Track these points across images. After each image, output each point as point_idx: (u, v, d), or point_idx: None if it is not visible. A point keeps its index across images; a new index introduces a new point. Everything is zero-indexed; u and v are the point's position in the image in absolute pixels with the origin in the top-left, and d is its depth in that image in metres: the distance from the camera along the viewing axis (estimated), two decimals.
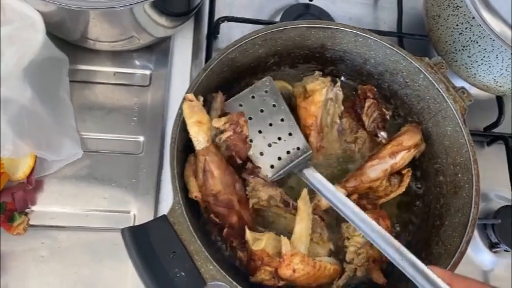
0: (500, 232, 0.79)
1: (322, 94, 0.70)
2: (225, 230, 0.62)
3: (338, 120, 0.74)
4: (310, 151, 0.70)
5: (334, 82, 0.73)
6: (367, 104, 0.72)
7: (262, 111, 0.70)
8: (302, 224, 0.62)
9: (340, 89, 0.73)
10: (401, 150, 0.71)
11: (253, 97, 0.70)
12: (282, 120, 0.70)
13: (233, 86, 0.75)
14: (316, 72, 0.73)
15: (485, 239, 0.81)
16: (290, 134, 0.70)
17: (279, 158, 0.69)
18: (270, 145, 0.69)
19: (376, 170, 0.70)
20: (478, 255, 0.81)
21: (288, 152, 0.69)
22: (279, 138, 0.69)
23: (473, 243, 0.80)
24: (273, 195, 0.67)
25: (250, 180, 0.67)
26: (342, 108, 0.74)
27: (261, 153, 0.68)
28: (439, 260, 0.63)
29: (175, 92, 0.81)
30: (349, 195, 0.70)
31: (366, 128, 0.73)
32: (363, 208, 0.68)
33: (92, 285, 0.70)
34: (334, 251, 0.67)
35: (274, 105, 0.70)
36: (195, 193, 0.62)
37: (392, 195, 0.71)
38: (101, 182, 0.76)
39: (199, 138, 0.63)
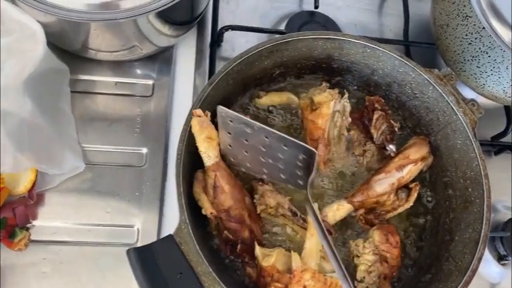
0: (509, 244, 0.78)
1: (329, 107, 0.68)
2: (238, 246, 0.61)
3: (345, 133, 0.73)
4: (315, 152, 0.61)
5: (341, 94, 0.71)
6: (375, 116, 0.71)
7: (247, 140, 0.62)
8: (312, 240, 0.61)
9: (348, 101, 0.72)
10: (408, 164, 0.70)
11: (229, 133, 0.62)
12: (266, 137, 0.60)
13: (238, 97, 0.73)
14: (324, 84, 0.72)
15: (494, 251, 0.80)
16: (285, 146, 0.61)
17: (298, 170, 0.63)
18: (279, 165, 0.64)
19: (383, 184, 0.69)
20: (486, 267, 0.80)
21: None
22: (281, 155, 0.62)
23: None
24: (281, 202, 0.66)
25: (258, 187, 0.66)
26: (350, 120, 0.73)
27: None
28: (449, 277, 0.62)
29: (179, 102, 0.80)
30: (355, 210, 0.69)
31: (375, 141, 0.72)
32: (371, 223, 0.68)
33: None
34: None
35: (249, 129, 0.60)
36: (209, 210, 0.61)
37: (399, 210, 0.70)
38: (104, 196, 0.74)
39: (210, 154, 0.62)
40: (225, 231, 0.62)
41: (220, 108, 0.60)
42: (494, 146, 0.87)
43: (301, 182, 0.63)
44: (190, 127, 0.61)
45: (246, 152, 0.63)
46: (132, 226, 0.73)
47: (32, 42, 0.67)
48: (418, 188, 0.70)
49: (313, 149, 0.58)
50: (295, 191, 0.70)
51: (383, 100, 0.74)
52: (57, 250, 0.71)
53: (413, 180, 0.71)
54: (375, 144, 0.72)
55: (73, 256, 0.71)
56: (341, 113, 0.71)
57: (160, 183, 0.76)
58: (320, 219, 0.59)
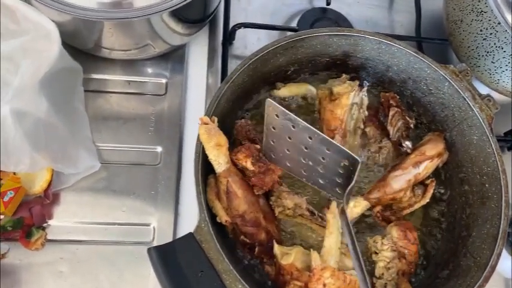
0: None
1: (349, 97, 0.68)
2: (256, 249, 0.61)
3: (362, 126, 0.73)
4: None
5: (360, 86, 0.71)
6: (391, 113, 0.71)
7: (290, 138, 0.60)
8: (332, 238, 0.61)
9: (366, 94, 0.72)
10: (425, 160, 0.69)
11: (273, 128, 0.61)
12: (310, 138, 0.59)
13: (253, 95, 0.73)
14: (344, 75, 0.72)
15: (508, 247, 0.80)
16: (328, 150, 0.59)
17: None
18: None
19: (399, 180, 0.69)
20: (502, 263, 0.79)
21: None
22: (323, 158, 0.60)
23: None
24: (298, 203, 0.66)
25: (274, 189, 0.66)
26: (366, 113, 0.72)
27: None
28: (468, 273, 0.62)
29: (192, 100, 0.80)
30: (372, 207, 0.69)
31: (391, 138, 0.72)
32: (387, 220, 0.68)
33: None
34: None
35: (293, 127, 0.59)
36: (224, 217, 0.61)
37: (416, 206, 0.70)
38: (119, 194, 0.74)
39: (220, 161, 0.61)
40: (242, 236, 0.62)
41: (269, 102, 0.58)
42: (507, 142, 0.87)
43: (338, 190, 0.62)
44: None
45: (287, 150, 0.61)
46: (148, 225, 0.73)
47: (47, 41, 0.67)
48: (434, 184, 0.70)
49: (357, 158, 0.55)
50: (311, 190, 0.70)
51: (398, 97, 0.74)
52: (73, 249, 0.71)
53: (428, 177, 0.71)
54: (390, 140, 0.72)
55: (89, 255, 0.71)
56: (358, 105, 0.71)
57: (175, 181, 0.76)
58: (352, 233, 0.57)
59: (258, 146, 0.64)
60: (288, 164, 0.64)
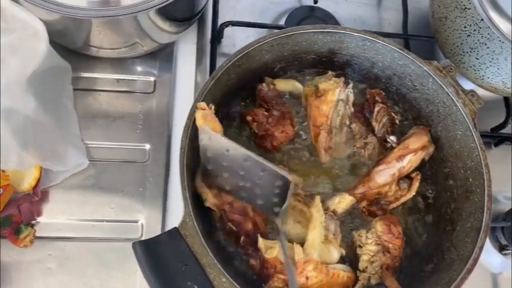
0: (510, 234, 0.79)
1: (335, 94, 0.69)
2: (242, 239, 0.62)
3: (348, 122, 0.73)
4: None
5: (346, 83, 0.72)
6: (376, 109, 0.71)
7: (226, 162, 0.60)
8: (315, 232, 0.61)
9: (352, 91, 0.72)
10: (408, 154, 0.70)
11: (208, 153, 0.60)
12: (245, 161, 0.58)
13: (240, 91, 0.74)
14: (330, 72, 0.73)
15: (495, 242, 0.81)
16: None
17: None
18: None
19: (383, 175, 0.70)
20: (488, 257, 0.80)
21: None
22: (259, 179, 0.59)
23: None
24: (295, 180, 0.67)
25: None
26: (352, 110, 0.73)
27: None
28: (451, 266, 0.63)
29: (181, 98, 0.80)
30: (358, 202, 0.69)
31: (376, 134, 0.72)
32: (373, 214, 0.68)
33: None
34: (346, 259, 0.67)
35: (227, 151, 0.59)
36: (211, 200, 0.62)
37: (402, 200, 0.70)
38: (108, 191, 0.74)
39: None
40: (229, 223, 0.63)
41: (202, 128, 0.59)
42: (494, 138, 0.88)
43: (275, 210, 0.61)
44: (194, 120, 0.61)
45: (225, 173, 0.61)
46: (136, 221, 0.74)
47: (35, 40, 0.67)
48: (419, 177, 0.71)
49: (289, 177, 0.56)
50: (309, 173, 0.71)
51: (384, 93, 0.74)
52: (62, 246, 0.71)
53: (414, 170, 0.71)
54: (376, 136, 0.73)
55: (78, 252, 0.71)
56: (344, 102, 0.72)
57: (163, 178, 0.76)
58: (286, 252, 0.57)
59: (266, 113, 0.69)
60: (228, 188, 0.63)
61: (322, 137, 0.71)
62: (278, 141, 0.71)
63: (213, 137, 0.58)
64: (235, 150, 0.58)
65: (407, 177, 0.72)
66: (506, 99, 0.87)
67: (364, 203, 0.69)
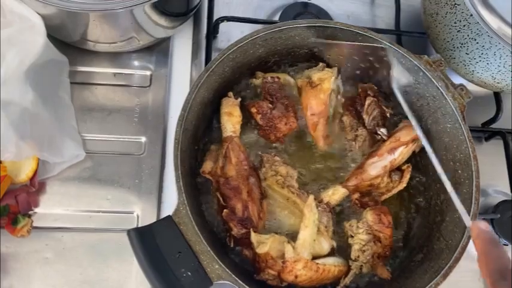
0: (500, 227, 0.80)
1: (330, 82, 0.70)
2: (224, 211, 0.64)
3: (341, 110, 0.75)
4: None
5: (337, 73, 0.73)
6: (367, 102, 0.73)
7: None
8: (307, 231, 0.62)
9: (341, 81, 0.74)
10: (400, 146, 0.71)
11: None
12: None
13: (234, 85, 0.75)
14: (321, 64, 0.74)
15: None
16: None
17: None
18: None
19: (376, 167, 0.71)
20: None
21: None
22: None
23: None
24: (290, 173, 0.69)
25: (268, 158, 0.70)
26: (343, 100, 0.75)
27: None
28: (440, 255, 0.64)
29: (176, 92, 0.81)
30: (351, 194, 0.71)
31: (366, 126, 0.74)
32: (365, 205, 0.70)
33: (97, 286, 0.70)
34: (337, 249, 0.68)
35: None
36: (207, 168, 0.67)
37: (393, 191, 0.72)
38: (104, 183, 0.76)
39: (226, 127, 0.69)
40: (218, 193, 0.65)
41: None
42: (484, 132, 0.89)
43: None
44: (187, 112, 0.63)
45: None
46: (131, 212, 0.75)
47: (33, 33, 0.68)
48: (410, 169, 0.72)
49: None
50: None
51: (376, 87, 0.76)
52: (59, 236, 0.72)
53: (405, 162, 0.73)
54: (366, 129, 0.74)
55: (74, 242, 0.72)
56: (336, 92, 0.73)
57: (159, 170, 0.78)
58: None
59: (271, 105, 0.71)
60: None
61: (321, 125, 0.72)
62: (282, 133, 0.72)
63: None
64: None
65: (398, 169, 0.73)
66: (496, 94, 0.89)
67: (356, 195, 0.71)
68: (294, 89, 0.75)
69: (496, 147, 0.89)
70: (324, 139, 0.72)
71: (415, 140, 0.71)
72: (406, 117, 0.76)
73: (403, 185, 0.71)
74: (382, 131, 0.72)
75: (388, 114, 0.75)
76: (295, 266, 0.59)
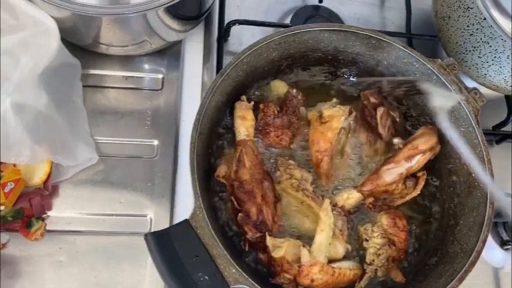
0: (511, 230, 0.80)
1: (340, 121, 0.70)
2: (239, 215, 0.64)
3: (349, 150, 0.74)
4: None
5: (350, 112, 0.73)
6: (379, 114, 0.72)
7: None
8: (323, 235, 0.62)
9: (353, 119, 0.73)
10: (417, 154, 0.71)
11: None
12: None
13: (247, 89, 0.75)
14: (334, 100, 0.74)
15: (497, 237, 0.82)
16: None
17: None
18: None
19: (391, 174, 0.70)
20: (489, 252, 0.82)
21: None
22: None
23: None
24: (305, 176, 0.69)
25: (283, 161, 0.70)
26: (353, 139, 0.75)
27: None
28: (455, 259, 0.64)
29: (188, 96, 0.82)
30: (365, 198, 0.71)
31: (384, 139, 0.73)
32: (379, 209, 0.70)
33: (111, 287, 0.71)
34: (351, 253, 0.68)
35: None
36: (221, 173, 0.68)
37: (407, 198, 0.71)
38: (117, 187, 0.76)
39: (240, 131, 0.69)
40: (232, 197, 0.65)
41: None
42: (495, 135, 0.89)
43: None
44: (203, 116, 0.63)
45: None
46: (145, 216, 0.75)
47: (47, 37, 0.68)
48: (425, 177, 0.72)
49: None
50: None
51: (375, 90, 0.75)
52: (72, 240, 0.72)
53: (420, 169, 0.73)
54: (383, 141, 0.74)
55: (88, 245, 0.72)
56: (346, 131, 0.72)
57: (171, 174, 0.78)
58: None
59: (277, 113, 0.72)
60: None
61: (324, 163, 0.70)
62: (269, 142, 0.72)
63: None
64: None
65: (413, 176, 0.73)
66: (507, 97, 0.89)
67: (370, 200, 0.71)
68: (305, 119, 0.75)
69: (506, 150, 0.89)
70: (327, 177, 0.71)
71: (433, 148, 0.71)
72: (421, 122, 0.77)
73: (417, 192, 0.71)
74: (397, 141, 0.72)
75: (397, 119, 0.74)
76: (311, 270, 0.60)
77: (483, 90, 0.82)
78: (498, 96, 0.90)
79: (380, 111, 0.72)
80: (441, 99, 0.63)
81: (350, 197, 0.69)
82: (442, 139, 0.73)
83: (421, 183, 0.71)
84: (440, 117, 0.60)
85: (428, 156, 0.71)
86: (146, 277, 0.72)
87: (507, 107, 0.88)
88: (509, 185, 0.86)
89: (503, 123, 0.88)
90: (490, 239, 0.82)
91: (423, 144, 0.71)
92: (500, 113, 0.89)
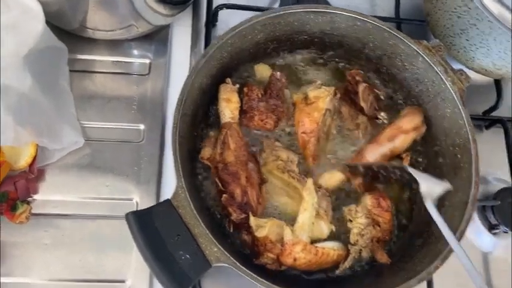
0: (499, 214, 0.79)
1: (325, 102, 0.70)
2: (223, 196, 0.64)
3: (335, 132, 0.74)
4: None
5: (334, 93, 0.72)
6: (361, 89, 0.72)
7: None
8: (306, 214, 0.62)
9: (338, 100, 0.73)
10: (400, 134, 0.71)
11: None
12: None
13: (232, 71, 0.75)
14: (318, 81, 0.74)
15: (485, 221, 0.81)
16: None
17: None
18: None
19: (375, 154, 0.71)
20: (478, 237, 0.81)
21: None
22: None
23: (473, 226, 0.81)
24: (291, 157, 0.69)
25: (269, 143, 0.70)
26: (339, 122, 0.75)
27: None
28: (440, 240, 0.63)
29: (175, 81, 0.81)
30: (351, 180, 0.70)
31: (366, 113, 0.73)
32: (367, 189, 0.70)
33: (96, 271, 0.71)
34: (336, 234, 0.68)
35: None
36: (205, 155, 0.68)
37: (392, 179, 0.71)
38: (103, 171, 0.76)
39: (225, 113, 0.69)
40: (217, 179, 0.65)
41: None
42: (485, 121, 0.89)
43: None
44: (186, 97, 0.63)
45: None
46: (130, 199, 0.75)
47: (31, 19, 0.68)
48: (408, 158, 0.72)
49: None
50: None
51: (362, 72, 0.75)
52: (58, 223, 0.72)
53: (406, 150, 0.72)
54: (366, 115, 0.74)
55: (74, 229, 0.73)
56: (331, 112, 0.72)
57: (157, 158, 0.78)
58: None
59: (261, 96, 0.71)
60: None
61: (311, 144, 0.70)
62: (254, 126, 0.71)
63: None
64: None
65: (398, 157, 0.73)
66: (497, 82, 0.88)
67: (358, 180, 0.70)
68: (289, 103, 0.74)
69: (496, 135, 0.89)
70: (313, 158, 0.71)
71: (417, 128, 0.71)
72: (406, 103, 0.77)
73: None
74: (383, 114, 0.72)
75: (382, 96, 0.74)
76: (294, 248, 0.59)
77: (473, 75, 0.81)
78: (488, 82, 0.89)
79: (362, 86, 0.72)
80: (429, 186, 0.63)
81: (333, 178, 0.69)
82: (426, 121, 0.73)
83: (405, 164, 0.71)
84: (428, 204, 0.60)
85: (412, 136, 0.71)
86: (131, 261, 0.72)
87: (496, 92, 0.88)
88: (498, 170, 0.85)
89: (493, 108, 0.87)
90: (478, 223, 0.82)
91: (407, 124, 0.70)
92: (489, 99, 0.89)
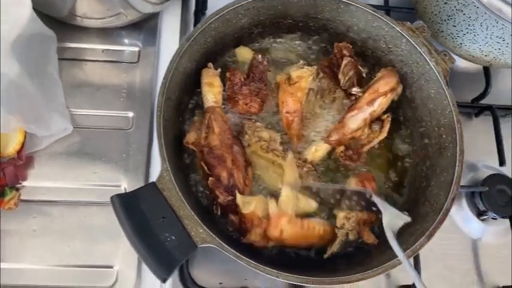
0: (488, 200, 0.79)
1: (308, 81, 0.70)
2: (210, 179, 0.64)
3: (319, 111, 0.74)
4: None
5: (317, 73, 0.73)
6: (344, 62, 0.72)
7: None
8: (288, 188, 0.63)
9: (320, 80, 0.74)
10: (378, 97, 0.71)
11: None
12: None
13: (217, 56, 0.75)
14: (301, 61, 0.74)
15: (473, 207, 0.81)
16: None
17: None
18: None
19: (356, 120, 0.71)
20: (467, 223, 0.81)
21: None
22: None
23: (461, 212, 0.81)
24: (273, 136, 0.70)
25: (250, 125, 0.70)
26: (322, 101, 0.75)
27: None
28: (425, 218, 0.64)
29: (164, 69, 0.79)
30: (335, 149, 0.71)
31: (342, 87, 0.73)
32: (350, 159, 0.70)
33: (85, 257, 0.71)
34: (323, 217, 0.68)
35: None
36: (189, 140, 0.67)
37: (375, 142, 0.72)
38: (92, 158, 0.76)
39: (208, 97, 0.69)
40: (202, 163, 0.65)
41: None
42: (474, 108, 0.89)
43: None
44: (169, 81, 0.63)
45: None
46: (119, 186, 0.76)
47: (17, 4, 0.68)
48: (390, 118, 0.72)
49: None
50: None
51: (351, 46, 0.75)
52: (47, 210, 0.73)
53: (384, 112, 0.73)
54: (342, 90, 0.74)
55: (62, 215, 0.73)
56: (314, 92, 0.73)
57: (146, 145, 0.78)
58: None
59: (244, 80, 0.71)
60: None
61: (295, 123, 0.71)
62: (239, 110, 0.72)
63: None
64: None
65: (379, 120, 0.73)
66: (485, 69, 0.89)
67: (340, 149, 0.71)
68: (273, 85, 0.75)
69: (485, 122, 0.89)
70: (298, 138, 0.71)
71: (394, 89, 0.71)
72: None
73: (384, 135, 0.71)
74: (356, 89, 0.72)
75: (364, 74, 0.74)
76: (280, 221, 0.60)
77: (462, 63, 0.82)
78: (477, 70, 0.89)
79: (346, 60, 0.72)
80: (391, 218, 0.63)
81: (318, 149, 0.69)
82: (410, 103, 0.73)
83: (386, 126, 0.71)
84: (388, 234, 0.60)
85: (390, 97, 0.71)
86: (120, 247, 0.72)
87: (485, 80, 0.88)
88: (487, 157, 0.85)
89: (482, 95, 0.87)
90: (467, 209, 0.82)
91: (383, 86, 0.70)
92: (478, 87, 0.89)
